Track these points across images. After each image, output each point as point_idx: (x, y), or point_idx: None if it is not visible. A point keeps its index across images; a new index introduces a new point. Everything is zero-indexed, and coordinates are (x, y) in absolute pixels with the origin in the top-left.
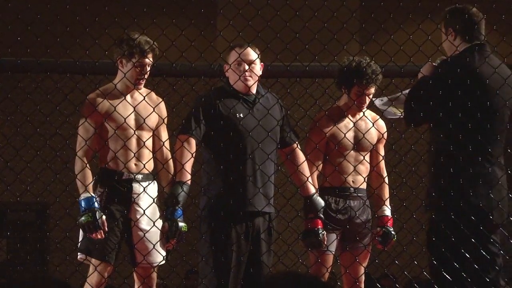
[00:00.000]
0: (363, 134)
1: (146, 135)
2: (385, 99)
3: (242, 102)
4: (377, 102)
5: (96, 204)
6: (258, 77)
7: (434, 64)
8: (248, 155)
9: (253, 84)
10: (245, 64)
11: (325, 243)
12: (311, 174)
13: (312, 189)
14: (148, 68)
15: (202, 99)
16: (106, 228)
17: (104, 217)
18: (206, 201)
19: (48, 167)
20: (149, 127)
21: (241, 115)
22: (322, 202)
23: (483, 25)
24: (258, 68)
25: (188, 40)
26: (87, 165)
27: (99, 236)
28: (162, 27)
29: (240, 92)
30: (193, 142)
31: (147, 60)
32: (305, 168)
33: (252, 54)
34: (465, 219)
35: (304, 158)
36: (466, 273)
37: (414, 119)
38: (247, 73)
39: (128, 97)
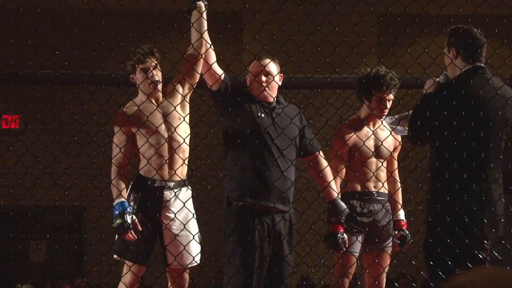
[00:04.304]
0: (381, 142)
1: (178, 140)
2: (394, 117)
3: (261, 107)
4: (387, 120)
5: (128, 208)
6: (278, 87)
7: (436, 79)
8: (265, 151)
9: (271, 94)
10: (262, 75)
11: (347, 245)
12: (334, 180)
13: (335, 194)
14: (156, 72)
15: (238, 81)
16: (140, 228)
17: (135, 219)
18: (227, 196)
19: (85, 173)
20: (180, 135)
21: (261, 115)
22: (343, 206)
23: (484, 48)
24: (276, 79)
25: (216, 53)
26: (122, 172)
27: (131, 237)
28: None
29: (260, 100)
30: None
31: (148, 64)
32: (327, 174)
33: (270, 65)
34: (460, 234)
35: (327, 165)
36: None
37: (419, 138)
38: (264, 84)
39: (153, 105)
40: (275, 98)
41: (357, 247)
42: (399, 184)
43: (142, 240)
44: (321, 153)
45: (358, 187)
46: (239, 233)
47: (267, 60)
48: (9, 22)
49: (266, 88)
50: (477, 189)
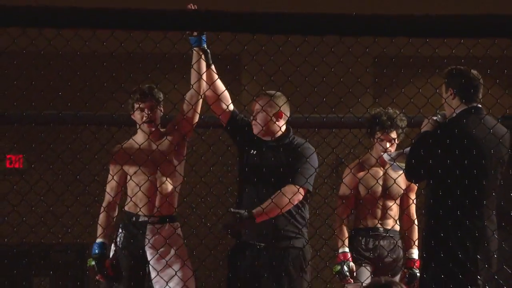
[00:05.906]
0: (384, 180)
1: (162, 178)
2: (392, 154)
3: (257, 144)
4: (385, 156)
5: (102, 250)
6: (287, 122)
7: (434, 118)
8: (251, 187)
9: (262, 130)
10: (254, 111)
11: (354, 274)
12: (342, 215)
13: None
14: (152, 112)
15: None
16: (111, 273)
17: (106, 262)
18: None
19: (87, 211)
20: (166, 172)
21: (253, 151)
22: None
23: (481, 88)
24: (262, 116)
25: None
26: (107, 208)
27: (100, 279)
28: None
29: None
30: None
31: (146, 104)
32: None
33: (258, 103)
34: (454, 270)
35: (280, 193)
36: None
37: (415, 175)
38: (253, 121)
39: (146, 143)
40: (285, 134)
41: (363, 277)
42: (414, 222)
43: (127, 279)
44: (293, 187)
45: (366, 224)
46: (229, 269)
47: (258, 98)
48: (13, 64)
49: (257, 124)
50: (471, 226)
